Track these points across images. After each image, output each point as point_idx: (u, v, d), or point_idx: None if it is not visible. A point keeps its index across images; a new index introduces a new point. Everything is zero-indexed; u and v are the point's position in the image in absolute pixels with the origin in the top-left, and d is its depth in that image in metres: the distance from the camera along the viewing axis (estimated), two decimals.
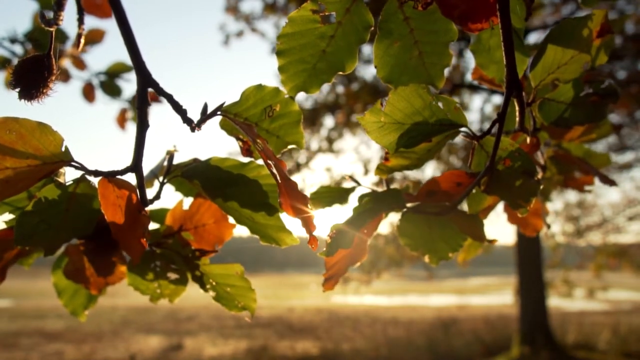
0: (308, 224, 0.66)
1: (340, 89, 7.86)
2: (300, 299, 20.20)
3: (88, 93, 2.28)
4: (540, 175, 0.88)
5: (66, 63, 2.19)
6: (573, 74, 0.72)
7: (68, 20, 0.75)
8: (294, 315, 14.54)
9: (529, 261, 8.48)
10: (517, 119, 0.73)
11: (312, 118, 8.19)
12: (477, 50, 0.77)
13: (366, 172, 8.52)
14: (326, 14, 0.71)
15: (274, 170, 0.68)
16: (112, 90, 2.29)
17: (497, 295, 20.99)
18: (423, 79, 0.74)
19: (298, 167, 8.52)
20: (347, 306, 16.79)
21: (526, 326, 8.37)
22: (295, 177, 8.81)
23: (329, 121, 8.66)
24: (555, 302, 14.88)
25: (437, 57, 0.73)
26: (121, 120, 2.52)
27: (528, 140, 0.81)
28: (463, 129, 0.73)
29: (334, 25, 0.72)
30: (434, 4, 0.68)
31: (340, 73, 0.74)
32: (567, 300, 15.06)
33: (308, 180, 9.26)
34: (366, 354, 8.46)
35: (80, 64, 2.22)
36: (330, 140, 8.56)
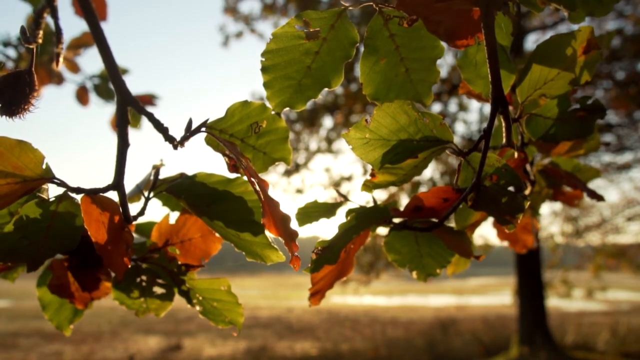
0: (290, 244, 0.65)
1: (339, 89, 7.85)
2: (299, 299, 20.19)
3: (82, 96, 2.27)
4: (529, 190, 0.87)
5: (60, 66, 2.18)
6: (560, 90, 0.71)
7: (63, 20, 0.74)
8: (293, 315, 14.55)
9: (528, 261, 8.47)
10: (504, 134, 0.73)
11: (311, 118, 8.18)
12: (463, 66, 0.76)
13: (365, 172, 8.51)
14: (311, 30, 0.70)
15: (257, 188, 0.67)
16: (105, 93, 2.28)
17: (496, 296, 20.98)
18: (410, 96, 0.74)
19: (297, 167, 8.51)
20: (346, 306, 16.79)
21: (525, 326, 8.37)
22: (294, 178, 8.75)
23: (327, 121, 8.65)
24: (554, 302, 14.87)
25: (424, 73, 0.73)
26: (115, 124, 2.52)
27: (516, 155, 0.81)
28: (449, 144, 0.72)
29: (319, 41, 0.71)
30: (420, 21, 0.68)
31: (327, 89, 0.74)
32: (565, 301, 15.04)
33: (307, 181, 9.25)
34: (365, 354, 8.46)
35: (74, 67, 2.22)
36: (329, 141, 8.55)
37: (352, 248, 0.79)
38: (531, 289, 8.52)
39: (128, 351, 8.98)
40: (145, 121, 2.55)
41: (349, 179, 8.68)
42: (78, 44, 2.11)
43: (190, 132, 0.72)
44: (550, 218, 10.82)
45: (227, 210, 0.75)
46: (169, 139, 0.71)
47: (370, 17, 0.73)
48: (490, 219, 0.93)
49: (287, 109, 0.76)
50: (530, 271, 8.54)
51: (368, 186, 0.77)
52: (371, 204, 0.81)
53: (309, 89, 0.74)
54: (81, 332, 10.84)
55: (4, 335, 10.51)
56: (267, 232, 0.74)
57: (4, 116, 0.69)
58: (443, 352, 8.45)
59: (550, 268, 11.24)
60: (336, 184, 8.58)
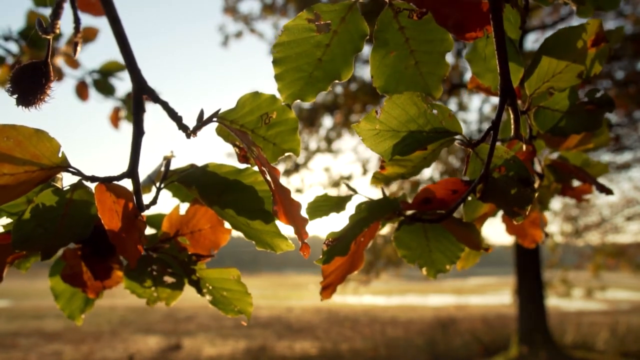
0: (300, 231, 0.66)
1: (338, 89, 7.86)
2: (299, 299, 20.20)
3: (81, 91, 2.28)
4: (537, 184, 0.88)
5: (59, 61, 2.19)
6: (568, 83, 0.72)
7: (62, 15, 0.75)
8: (293, 315, 14.55)
9: (528, 261, 8.49)
10: (512, 127, 0.74)
11: (311, 118, 8.18)
12: (473, 59, 0.77)
13: (365, 172, 8.52)
14: (322, 22, 0.71)
15: (268, 177, 0.68)
16: (105, 88, 2.29)
17: (495, 295, 21.00)
18: (420, 88, 0.75)
19: (297, 167, 8.52)
20: (345, 306, 16.79)
21: (524, 326, 8.38)
22: (294, 177, 8.75)
23: (327, 121, 8.66)
24: (553, 302, 14.90)
25: (433, 66, 0.74)
26: (114, 119, 2.52)
27: (524, 148, 0.82)
28: (458, 136, 0.73)
29: (330, 34, 0.72)
30: (429, 14, 0.69)
31: (337, 81, 0.75)
32: (565, 300, 15.07)
33: (307, 180, 9.26)
34: (365, 354, 8.47)
35: (73, 63, 2.22)
36: (328, 140, 8.56)
37: (363, 241, 0.79)
38: (531, 289, 8.54)
39: (128, 351, 8.98)
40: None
41: (348, 178, 8.69)
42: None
43: (202, 121, 0.73)
44: (550, 217, 10.84)
45: (237, 200, 0.76)
46: (183, 127, 0.72)
47: (374, 9, 0.74)
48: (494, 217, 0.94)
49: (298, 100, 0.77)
50: (529, 271, 8.55)
51: (378, 178, 0.78)
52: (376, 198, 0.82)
53: (319, 81, 0.75)
54: (81, 332, 10.84)
55: (3, 335, 10.50)
56: (277, 221, 0.75)
57: (20, 106, 0.70)
58: (443, 351, 8.46)
59: (550, 268, 11.26)
60: (336, 184, 8.59)
